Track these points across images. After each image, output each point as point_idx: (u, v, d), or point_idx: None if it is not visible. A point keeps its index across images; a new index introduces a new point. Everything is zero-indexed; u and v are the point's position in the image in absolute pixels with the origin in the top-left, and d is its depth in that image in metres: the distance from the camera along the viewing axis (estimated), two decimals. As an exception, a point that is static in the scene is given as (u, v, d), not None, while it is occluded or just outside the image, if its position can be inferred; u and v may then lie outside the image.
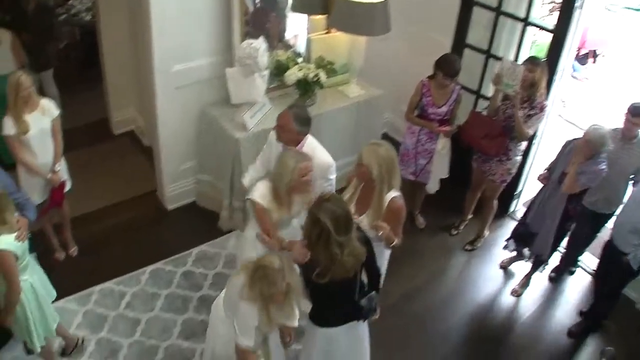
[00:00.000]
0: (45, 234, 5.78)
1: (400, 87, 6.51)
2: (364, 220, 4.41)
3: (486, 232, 6.60)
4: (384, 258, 4.80)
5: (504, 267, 6.36)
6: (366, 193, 4.48)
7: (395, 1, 5.78)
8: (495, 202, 6.33)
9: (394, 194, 4.39)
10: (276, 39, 6.20)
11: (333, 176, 4.92)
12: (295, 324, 4.06)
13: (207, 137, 6.05)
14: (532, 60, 5.61)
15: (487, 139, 5.77)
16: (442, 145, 6.01)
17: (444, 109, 5.91)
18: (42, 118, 5.20)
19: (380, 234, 4.31)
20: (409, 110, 6.06)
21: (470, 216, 6.74)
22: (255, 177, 4.98)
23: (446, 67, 5.71)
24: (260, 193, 4.45)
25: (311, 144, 4.90)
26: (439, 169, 6.16)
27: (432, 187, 6.29)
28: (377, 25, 5.76)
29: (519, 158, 5.97)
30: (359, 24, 5.71)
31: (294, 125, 4.74)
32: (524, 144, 5.94)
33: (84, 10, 9.30)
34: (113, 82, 7.39)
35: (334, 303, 4.07)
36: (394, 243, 4.46)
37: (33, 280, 4.38)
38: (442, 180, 6.28)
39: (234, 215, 6.14)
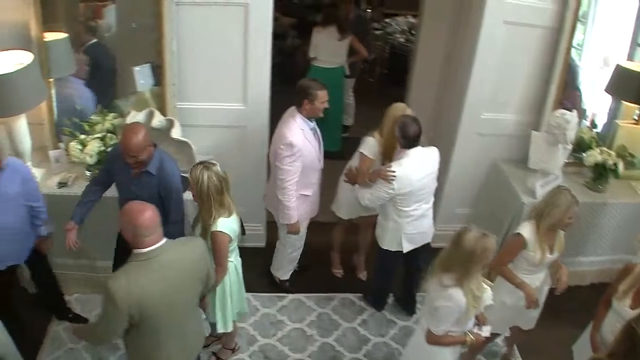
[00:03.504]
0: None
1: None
2: None
3: None
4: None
5: None
6: None
7: None
8: None
9: None
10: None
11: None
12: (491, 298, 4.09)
13: (492, 190, 6.04)
14: None
15: None
16: None
17: None
18: None
19: None
20: None
21: None
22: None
23: None
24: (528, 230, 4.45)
25: (405, 157, 4.86)
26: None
27: None
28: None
29: None
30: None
31: (396, 131, 4.82)
32: None
33: (399, 32, 9.70)
34: (413, 106, 7.51)
35: None
36: None
37: (237, 262, 4.61)
38: None
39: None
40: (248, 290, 5.54)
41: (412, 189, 4.91)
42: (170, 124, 5.11)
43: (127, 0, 5.44)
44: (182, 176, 4.60)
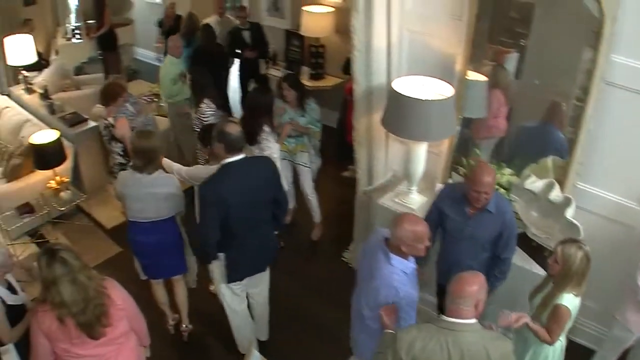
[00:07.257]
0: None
1: None
2: None
3: None
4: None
5: None
6: None
7: None
8: None
9: None
10: None
11: None
12: None
13: None
14: None
15: None
16: None
17: None
18: None
19: None
20: None
21: None
22: None
23: None
24: None
25: None
26: None
27: None
28: None
29: None
30: None
31: None
32: None
33: None
34: None
35: None
36: None
37: (564, 342, 4.49)
38: None
39: None
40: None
41: None
42: (567, 203, 4.97)
43: (537, 55, 5.32)
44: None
